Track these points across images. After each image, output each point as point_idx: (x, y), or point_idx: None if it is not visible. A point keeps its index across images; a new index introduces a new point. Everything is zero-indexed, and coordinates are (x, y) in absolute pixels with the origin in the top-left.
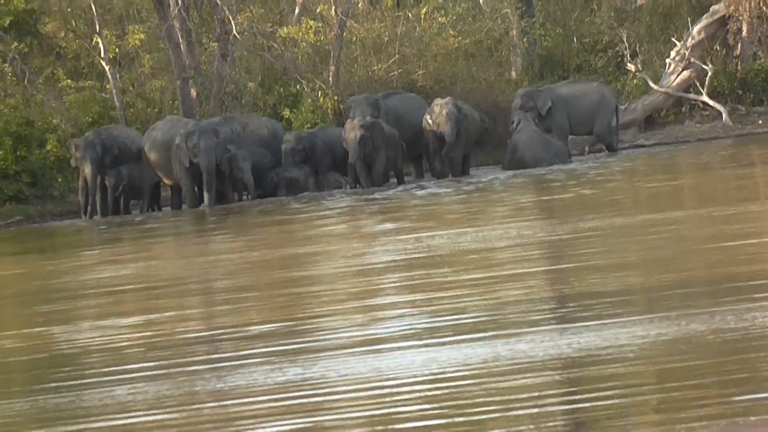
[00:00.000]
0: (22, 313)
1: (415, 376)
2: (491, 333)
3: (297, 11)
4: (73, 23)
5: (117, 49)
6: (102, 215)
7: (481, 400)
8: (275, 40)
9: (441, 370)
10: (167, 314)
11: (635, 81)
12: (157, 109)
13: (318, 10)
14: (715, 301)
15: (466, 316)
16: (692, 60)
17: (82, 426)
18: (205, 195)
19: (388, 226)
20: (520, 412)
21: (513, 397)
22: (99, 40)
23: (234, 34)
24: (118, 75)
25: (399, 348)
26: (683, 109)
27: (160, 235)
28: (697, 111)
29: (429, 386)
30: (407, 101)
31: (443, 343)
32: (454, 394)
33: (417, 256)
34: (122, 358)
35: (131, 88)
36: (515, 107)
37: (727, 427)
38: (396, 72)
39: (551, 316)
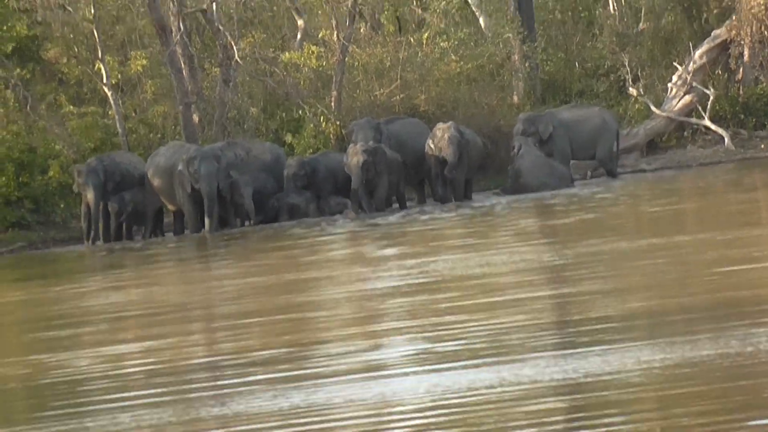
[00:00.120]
0: (25, 339)
1: (419, 402)
2: (496, 358)
3: (299, 36)
4: (76, 49)
5: (119, 75)
6: (104, 241)
7: (487, 426)
8: (277, 65)
9: (445, 396)
10: (170, 340)
11: (637, 105)
12: (159, 134)
13: (320, 36)
14: (719, 326)
15: (470, 341)
16: (694, 84)
17: None
18: (206, 220)
19: (391, 251)
20: None
21: (519, 422)
22: (101, 66)
23: (236, 60)
24: (120, 101)
25: (403, 373)
26: (685, 133)
27: (162, 261)
28: (699, 135)
29: (434, 412)
30: (409, 126)
31: (448, 369)
32: (459, 420)
33: (420, 281)
34: (125, 385)
35: (134, 114)
36: (517, 132)
37: None
38: (398, 97)
39: (556, 341)
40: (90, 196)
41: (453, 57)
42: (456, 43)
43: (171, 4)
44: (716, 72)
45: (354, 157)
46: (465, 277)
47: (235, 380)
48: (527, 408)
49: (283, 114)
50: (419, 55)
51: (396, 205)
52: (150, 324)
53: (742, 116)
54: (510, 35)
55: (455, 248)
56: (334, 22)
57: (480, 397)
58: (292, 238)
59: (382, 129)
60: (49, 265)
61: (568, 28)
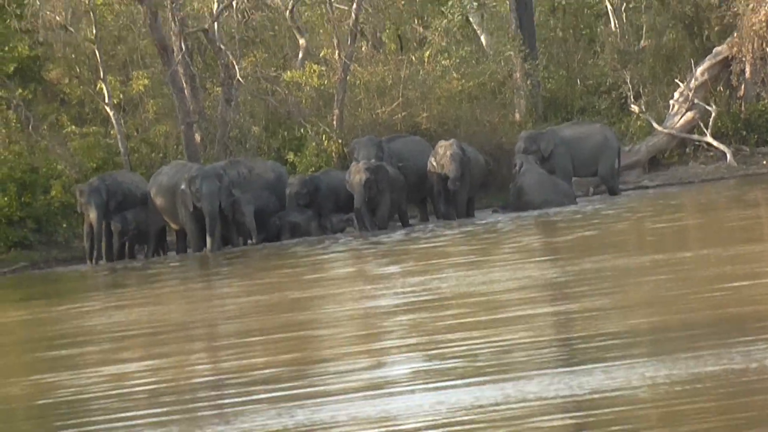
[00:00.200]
0: (27, 359)
1: (424, 420)
2: (500, 375)
3: (300, 55)
4: (77, 69)
5: (121, 95)
6: (107, 260)
7: None
8: (279, 84)
9: (450, 413)
10: (173, 359)
11: (639, 122)
12: (161, 154)
13: (321, 54)
14: (723, 342)
15: (474, 358)
16: (696, 101)
17: None
18: (208, 239)
19: (394, 268)
20: None
21: None
22: (103, 86)
23: (238, 79)
24: (122, 120)
25: (408, 391)
26: (687, 150)
27: (165, 280)
28: (701, 152)
29: (439, 430)
30: (411, 144)
31: (452, 386)
32: None
33: (423, 298)
34: (128, 404)
35: (135, 134)
36: (518, 150)
37: None
38: (400, 115)
39: (560, 357)
40: (92, 215)
41: (455, 75)
42: (457, 61)
43: (172, 24)
44: (718, 89)
45: (357, 175)
46: (468, 294)
47: (239, 399)
48: (534, 425)
49: (285, 133)
50: (421, 73)
51: (398, 223)
52: (153, 343)
53: (744, 133)
54: (511, 53)
55: (458, 265)
56: (335, 41)
57: (485, 415)
58: (295, 256)
59: (384, 147)
60: (51, 285)
61: (570, 46)
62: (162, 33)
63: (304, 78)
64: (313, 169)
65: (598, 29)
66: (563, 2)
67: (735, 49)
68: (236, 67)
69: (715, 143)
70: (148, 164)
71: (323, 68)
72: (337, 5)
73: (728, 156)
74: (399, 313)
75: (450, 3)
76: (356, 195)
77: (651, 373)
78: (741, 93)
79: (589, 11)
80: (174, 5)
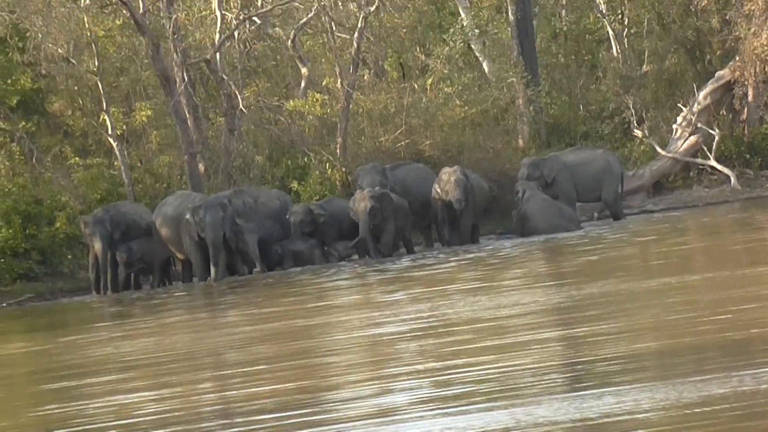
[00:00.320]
0: (33, 390)
1: None
2: (510, 400)
3: (303, 84)
4: (80, 101)
5: (124, 126)
6: (113, 291)
7: None
8: (282, 113)
9: None
10: (180, 389)
11: (642, 147)
12: (165, 184)
13: (324, 83)
14: (731, 365)
15: (482, 383)
16: (699, 125)
17: None
18: (212, 269)
19: (400, 295)
20: None
21: None
22: (106, 117)
23: (241, 109)
24: (125, 151)
25: (416, 417)
26: (691, 173)
27: (171, 310)
28: (705, 175)
29: None
30: (415, 172)
31: (461, 412)
32: None
33: (430, 324)
34: None
35: (139, 164)
36: (521, 177)
37: None
38: (403, 143)
39: (569, 382)
40: (97, 246)
41: (457, 102)
42: (460, 88)
43: (174, 55)
44: (721, 112)
45: (361, 203)
46: (475, 319)
47: (246, 427)
48: None
49: (289, 161)
50: (423, 100)
51: (403, 250)
52: (160, 373)
53: (748, 156)
54: (514, 79)
55: (464, 291)
56: (337, 70)
57: None
58: (299, 284)
59: (388, 174)
60: (57, 316)
61: (572, 72)
62: (164, 64)
63: (306, 107)
64: (318, 197)
65: (600, 55)
66: (564, 28)
67: (737, 72)
68: (239, 96)
69: (718, 167)
70: (152, 195)
71: (326, 97)
72: (339, 34)
73: (732, 179)
74: (406, 340)
75: (452, 30)
76: (361, 223)
77: (661, 396)
78: (744, 116)
79: (591, 37)
80: (176, 36)
